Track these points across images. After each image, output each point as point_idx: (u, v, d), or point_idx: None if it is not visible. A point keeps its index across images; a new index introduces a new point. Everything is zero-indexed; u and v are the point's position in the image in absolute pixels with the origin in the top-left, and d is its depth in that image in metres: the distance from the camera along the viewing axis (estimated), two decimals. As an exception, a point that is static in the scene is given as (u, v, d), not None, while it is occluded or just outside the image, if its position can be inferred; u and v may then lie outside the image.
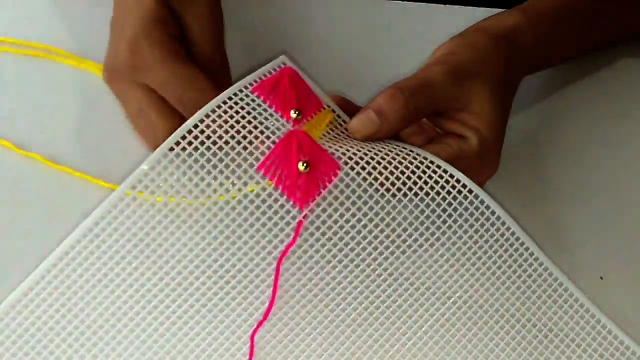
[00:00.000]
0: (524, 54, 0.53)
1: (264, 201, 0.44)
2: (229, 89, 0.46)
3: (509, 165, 0.57)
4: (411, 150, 0.46)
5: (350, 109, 0.50)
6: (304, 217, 0.44)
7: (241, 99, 0.45)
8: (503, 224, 0.46)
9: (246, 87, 0.46)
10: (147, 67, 0.48)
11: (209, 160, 0.44)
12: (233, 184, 0.44)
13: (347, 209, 0.44)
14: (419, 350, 0.45)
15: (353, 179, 0.44)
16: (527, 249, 0.47)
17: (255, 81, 0.46)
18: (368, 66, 0.61)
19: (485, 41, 0.51)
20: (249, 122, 0.44)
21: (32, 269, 0.43)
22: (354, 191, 0.44)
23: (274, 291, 0.44)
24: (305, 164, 0.44)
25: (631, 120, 0.62)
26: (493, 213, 0.46)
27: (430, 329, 0.46)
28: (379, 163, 0.45)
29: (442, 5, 0.64)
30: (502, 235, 0.46)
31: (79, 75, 0.57)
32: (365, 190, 0.44)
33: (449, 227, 0.46)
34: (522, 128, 0.59)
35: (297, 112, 0.46)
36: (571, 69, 0.63)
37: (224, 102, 0.45)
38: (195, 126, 0.44)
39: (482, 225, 0.46)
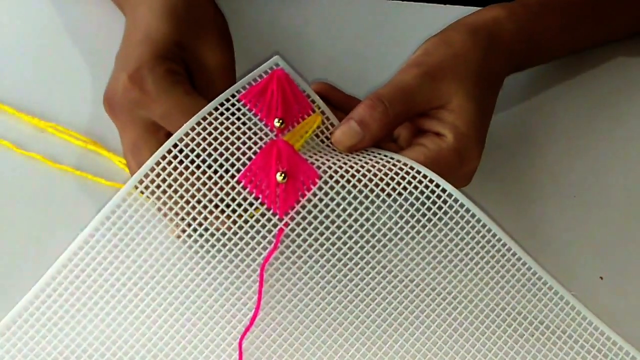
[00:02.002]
0: (505, 45, 0.52)
1: (246, 210, 0.45)
2: (220, 96, 0.46)
3: (509, 164, 0.57)
4: (391, 157, 0.47)
5: (336, 95, 0.51)
6: (284, 225, 0.45)
7: (227, 109, 0.46)
8: (483, 225, 0.47)
9: (233, 96, 0.47)
10: (149, 99, 0.47)
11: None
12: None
13: (327, 217, 0.45)
14: (407, 352, 0.46)
15: (332, 187, 0.45)
16: (509, 249, 0.47)
17: (244, 87, 0.47)
18: (367, 66, 0.61)
19: (460, 37, 0.51)
20: (232, 132, 0.46)
21: (32, 269, 0.45)
22: (332, 199, 0.45)
23: (259, 297, 0.45)
24: (283, 175, 0.45)
25: (628, 118, 0.61)
26: (473, 216, 0.47)
27: (417, 331, 0.46)
28: (357, 171, 0.46)
29: (442, 5, 0.64)
30: (482, 235, 0.47)
31: (79, 75, 0.58)
32: (344, 198, 0.45)
33: (429, 230, 0.47)
34: (522, 127, 0.59)
35: (280, 121, 0.47)
36: (562, 67, 0.62)
37: (210, 114, 0.46)
38: (181, 140, 0.45)
39: (463, 228, 0.47)
